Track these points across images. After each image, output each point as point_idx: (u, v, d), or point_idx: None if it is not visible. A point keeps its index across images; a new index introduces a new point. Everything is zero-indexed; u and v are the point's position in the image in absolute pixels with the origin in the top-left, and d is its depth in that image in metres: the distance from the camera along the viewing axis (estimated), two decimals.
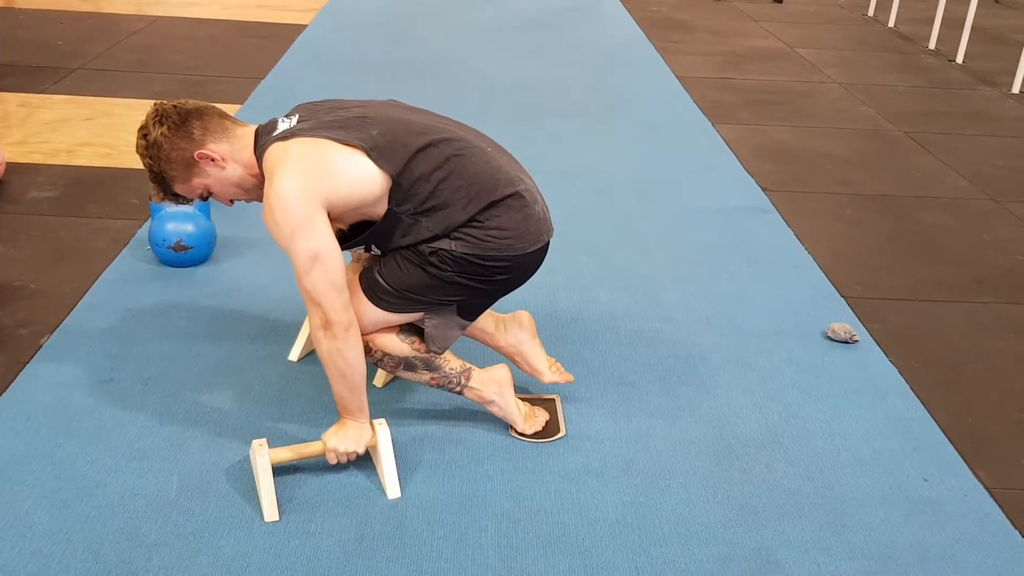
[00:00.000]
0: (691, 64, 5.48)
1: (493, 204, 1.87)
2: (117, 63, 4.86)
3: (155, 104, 1.91)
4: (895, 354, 2.51)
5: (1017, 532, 1.89)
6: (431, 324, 1.96)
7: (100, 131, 3.86)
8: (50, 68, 4.69)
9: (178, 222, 2.71)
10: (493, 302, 2.01)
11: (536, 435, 2.09)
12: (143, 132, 1.88)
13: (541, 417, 2.13)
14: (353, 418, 1.90)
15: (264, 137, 1.88)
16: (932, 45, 6.20)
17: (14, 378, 2.19)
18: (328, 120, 1.87)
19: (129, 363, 2.28)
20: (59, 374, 2.22)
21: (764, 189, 3.62)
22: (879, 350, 2.52)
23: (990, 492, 1.99)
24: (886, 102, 4.91)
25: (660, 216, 3.29)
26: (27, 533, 1.74)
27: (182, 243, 2.71)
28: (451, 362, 2.02)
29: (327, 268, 1.77)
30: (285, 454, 1.88)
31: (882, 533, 1.86)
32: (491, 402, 2.07)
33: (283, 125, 1.88)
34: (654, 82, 5.09)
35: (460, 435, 2.08)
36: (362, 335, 1.93)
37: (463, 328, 2.00)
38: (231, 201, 1.98)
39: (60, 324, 2.43)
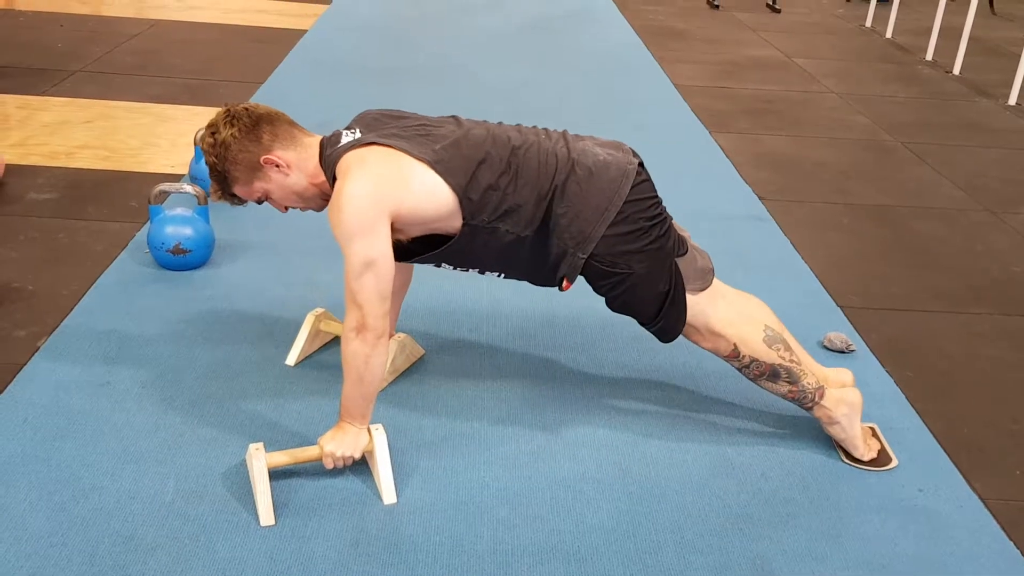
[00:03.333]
0: (689, 72, 5.49)
1: (559, 190, 1.88)
2: (117, 66, 4.87)
3: (226, 104, 1.94)
4: (890, 364, 2.52)
5: (1012, 543, 1.89)
6: (688, 286, 1.98)
7: (99, 134, 3.87)
8: (50, 70, 4.69)
9: (177, 226, 2.71)
10: (668, 222, 1.98)
11: (872, 463, 2.06)
12: (212, 130, 1.91)
13: (875, 444, 2.10)
14: (353, 423, 1.90)
15: (330, 148, 1.90)
16: (929, 56, 6.23)
17: (11, 379, 2.19)
18: (390, 132, 1.89)
19: (126, 366, 2.28)
20: (56, 376, 2.22)
21: (761, 198, 3.63)
22: (875, 360, 2.53)
23: (985, 503, 2.00)
24: (883, 112, 4.93)
25: None
26: (23, 536, 1.74)
27: (180, 247, 2.71)
28: (808, 376, 2.01)
29: (379, 276, 1.80)
30: (281, 458, 1.88)
31: (877, 543, 1.86)
32: (836, 423, 2.05)
33: (347, 137, 1.90)
34: (651, 89, 5.10)
35: (457, 441, 2.09)
36: (726, 341, 2.00)
37: (691, 256, 2.01)
38: (286, 208, 2.00)
39: (58, 326, 2.43)
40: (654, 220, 1.94)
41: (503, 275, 2.02)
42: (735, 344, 2.00)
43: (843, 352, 2.54)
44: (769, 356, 1.99)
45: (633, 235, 1.91)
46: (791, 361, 2.00)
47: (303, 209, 2.02)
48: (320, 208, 2.00)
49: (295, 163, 1.92)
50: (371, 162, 1.83)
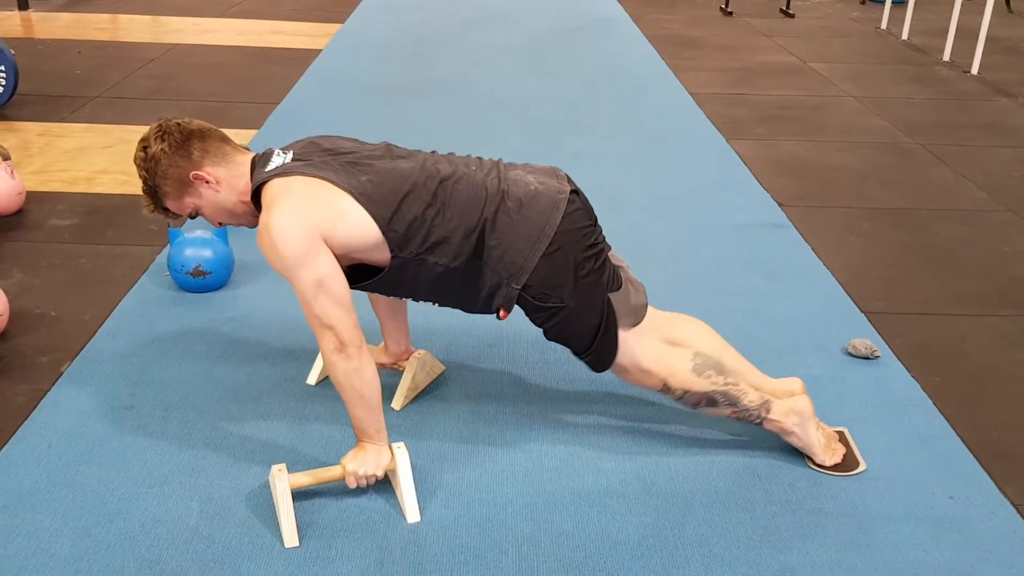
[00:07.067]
0: (704, 80, 5.48)
1: (489, 223, 1.88)
2: (135, 91, 4.92)
3: (159, 119, 1.95)
4: (917, 369, 2.48)
5: None
6: (620, 322, 1.97)
7: (118, 159, 3.90)
8: (69, 97, 4.75)
9: (196, 248, 2.73)
10: (604, 255, 1.97)
11: (836, 467, 2.05)
12: (143, 145, 1.93)
13: (839, 449, 2.08)
14: (372, 441, 1.90)
15: (260, 168, 1.91)
16: (946, 57, 6.18)
17: (35, 405, 2.21)
18: (319, 161, 1.90)
19: (149, 389, 2.29)
20: (80, 401, 2.23)
21: (780, 204, 3.60)
22: (901, 366, 2.50)
23: (1017, 509, 1.97)
24: (901, 115, 4.90)
25: (675, 232, 3.28)
26: (49, 562, 1.74)
27: (200, 269, 2.72)
28: (749, 395, 2.01)
29: (334, 291, 1.80)
30: (304, 479, 1.88)
31: (908, 552, 1.84)
32: (791, 433, 2.04)
33: (277, 159, 1.91)
34: (667, 99, 5.09)
35: (479, 457, 2.08)
36: (655, 377, 1.98)
37: (625, 291, 1.99)
38: (220, 224, 2.01)
39: (81, 351, 2.45)
40: (589, 250, 1.93)
41: (437, 304, 2.01)
42: (664, 379, 1.99)
43: (868, 359, 2.51)
44: (701, 385, 1.98)
45: (567, 267, 1.90)
46: (726, 384, 1.98)
47: (235, 225, 2.02)
48: (252, 225, 1.99)
49: (225, 180, 1.92)
50: (296, 191, 1.83)
